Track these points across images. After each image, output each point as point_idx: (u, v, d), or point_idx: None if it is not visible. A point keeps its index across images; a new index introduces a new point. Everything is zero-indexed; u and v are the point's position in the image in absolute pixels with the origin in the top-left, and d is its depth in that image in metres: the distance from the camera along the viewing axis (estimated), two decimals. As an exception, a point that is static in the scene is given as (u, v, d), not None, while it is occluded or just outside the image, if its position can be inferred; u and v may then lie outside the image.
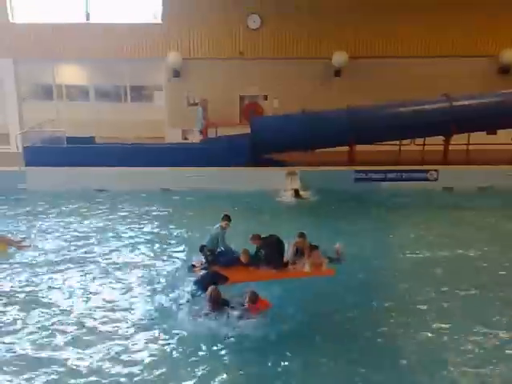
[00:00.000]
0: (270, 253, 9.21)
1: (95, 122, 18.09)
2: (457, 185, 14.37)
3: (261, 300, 7.53)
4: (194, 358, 6.63)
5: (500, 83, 17.13)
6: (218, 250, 9.42)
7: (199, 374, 6.33)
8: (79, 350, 6.81)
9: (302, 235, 9.37)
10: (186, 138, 18.08)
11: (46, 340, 7.08)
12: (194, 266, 9.23)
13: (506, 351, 6.75)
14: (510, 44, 17.56)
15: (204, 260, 9.29)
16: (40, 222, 11.97)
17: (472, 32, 17.64)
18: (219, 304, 7.42)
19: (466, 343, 6.94)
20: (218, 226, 9.43)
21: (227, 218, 9.43)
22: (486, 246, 10.42)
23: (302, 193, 13.81)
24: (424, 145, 15.61)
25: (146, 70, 18.87)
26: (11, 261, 9.61)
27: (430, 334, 7.16)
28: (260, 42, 17.93)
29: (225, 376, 6.28)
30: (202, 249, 9.39)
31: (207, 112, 16.44)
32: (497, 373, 6.32)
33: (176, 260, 9.76)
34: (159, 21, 17.97)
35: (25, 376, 6.32)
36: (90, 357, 6.68)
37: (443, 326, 7.37)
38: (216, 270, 8.73)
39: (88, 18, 18.10)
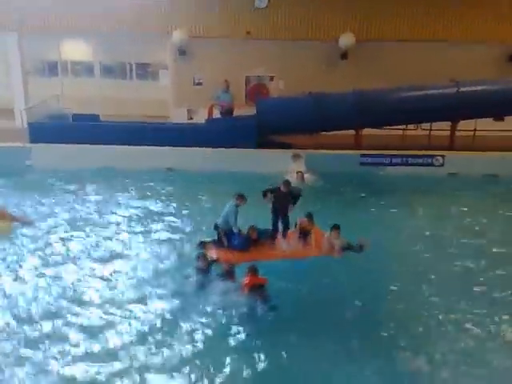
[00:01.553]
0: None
1: (100, 98, 18.04)
2: (462, 171, 14.33)
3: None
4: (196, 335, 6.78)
5: (510, 70, 17.00)
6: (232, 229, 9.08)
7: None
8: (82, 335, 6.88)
9: (309, 216, 9.34)
10: (191, 118, 18.01)
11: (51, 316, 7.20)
12: (203, 242, 9.14)
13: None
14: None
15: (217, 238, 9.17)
16: (44, 198, 11.98)
17: (482, 18, 17.44)
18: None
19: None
20: (231, 203, 9.05)
21: (242, 196, 9.04)
22: (489, 231, 10.49)
23: (306, 176, 13.77)
24: (430, 130, 15.55)
25: (152, 47, 18.69)
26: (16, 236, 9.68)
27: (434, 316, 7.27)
28: (267, 22, 17.72)
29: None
30: (216, 227, 9.16)
31: (231, 94, 16.20)
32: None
33: (182, 238, 9.79)
34: (166, -2, 17.78)
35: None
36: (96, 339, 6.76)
37: (453, 313, 7.46)
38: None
39: (94, -7, 17.88)
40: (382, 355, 6.43)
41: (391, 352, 6.51)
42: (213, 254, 8.67)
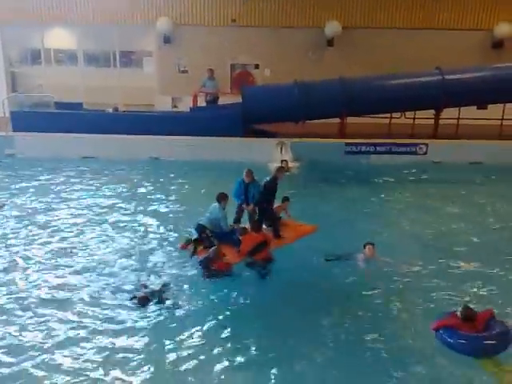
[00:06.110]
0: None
1: (83, 86, 17.85)
2: (445, 159, 14.42)
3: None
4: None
5: (493, 57, 17.08)
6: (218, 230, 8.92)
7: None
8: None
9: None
10: (175, 106, 17.89)
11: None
12: (184, 246, 8.96)
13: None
14: (504, 18, 17.41)
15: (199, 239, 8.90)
16: (24, 186, 12.04)
17: (467, 5, 17.48)
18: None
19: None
20: (216, 205, 8.90)
21: (225, 196, 8.98)
22: (468, 220, 10.58)
23: (290, 164, 13.74)
24: (414, 118, 15.61)
25: (136, 35, 18.44)
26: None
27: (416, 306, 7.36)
28: (253, 10, 17.61)
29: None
30: (202, 229, 8.85)
31: (216, 81, 16.18)
32: None
33: (168, 230, 9.74)
34: (150, -16, 17.56)
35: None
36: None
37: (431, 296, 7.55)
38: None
39: (77, -19, 17.63)
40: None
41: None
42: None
